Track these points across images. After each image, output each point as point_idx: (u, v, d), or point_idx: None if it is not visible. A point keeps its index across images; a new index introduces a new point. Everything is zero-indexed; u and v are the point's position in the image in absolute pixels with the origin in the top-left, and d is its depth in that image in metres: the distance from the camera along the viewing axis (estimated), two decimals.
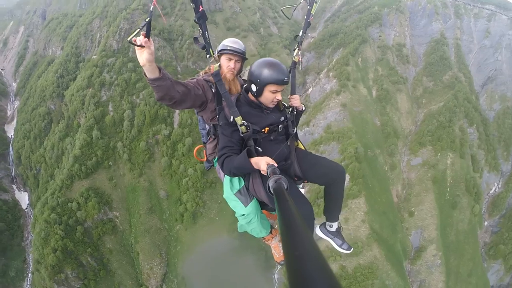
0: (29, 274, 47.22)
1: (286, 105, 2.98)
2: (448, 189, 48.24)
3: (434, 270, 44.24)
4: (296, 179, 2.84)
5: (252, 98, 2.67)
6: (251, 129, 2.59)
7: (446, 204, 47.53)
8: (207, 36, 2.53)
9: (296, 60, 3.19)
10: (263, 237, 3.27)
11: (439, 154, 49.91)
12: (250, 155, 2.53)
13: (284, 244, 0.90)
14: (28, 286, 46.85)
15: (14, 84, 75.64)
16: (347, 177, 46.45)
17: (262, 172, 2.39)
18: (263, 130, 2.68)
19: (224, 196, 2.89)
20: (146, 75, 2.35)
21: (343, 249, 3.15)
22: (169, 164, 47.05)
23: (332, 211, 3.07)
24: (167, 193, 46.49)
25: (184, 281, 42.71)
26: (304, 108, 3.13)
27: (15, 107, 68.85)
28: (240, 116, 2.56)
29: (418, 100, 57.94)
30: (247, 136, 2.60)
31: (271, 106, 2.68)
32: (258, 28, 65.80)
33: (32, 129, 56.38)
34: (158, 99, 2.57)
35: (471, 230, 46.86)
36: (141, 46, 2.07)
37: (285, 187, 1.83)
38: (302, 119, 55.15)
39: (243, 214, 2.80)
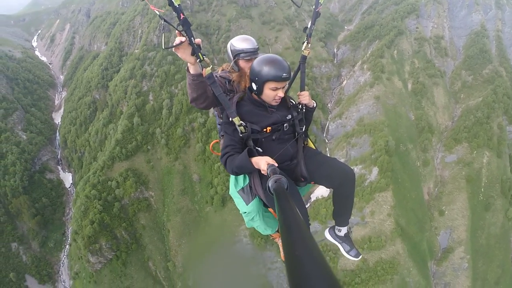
0: (67, 246, 54.95)
1: (294, 102, 3.01)
2: (482, 190, 48.23)
3: (460, 273, 44.39)
4: (302, 180, 2.88)
5: (255, 96, 2.76)
6: (250, 129, 2.69)
7: (479, 205, 47.53)
8: (193, 41, 2.49)
9: (306, 54, 3.18)
10: (271, 235, 3.41)
11: (475, 152, 50.13)
12: (251, 154, 2.61)
13: (284, 244, 0.96)
14: (64, 256, 54.59)
15: (61, 77, 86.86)
16: (375, 169, 49.08)
17: (262, 172, 2.48)
18: (264, 129, 2.75)
19: (229, 192, 3.09)
20: (189, 71, 2.61)
21: (351, 255, 3.15)
22: (203, 150, 52.49)
23: (340, 215, 3.10)
24: (199, 176, 51.94)
25: (209, 261, 47.33)
26: (315, 105, 3.14)
27: (62, 97, 79.15)
28: (238, 117, 2.66)
29: (456, 94, 58.62)
30: (246, 136, 2.70)
31: (274, 103, 2.75)
32: (293, 22, 70.13)
33: (78, 116, 65.25)
34: (193, 98, 2.79)
35: (503, 234, 46.45)
36: (180, 43, 2.37)
37: (285, 187, 1.94)
38: (334, 111, 58.91)
39: (245, 212, 2.95)
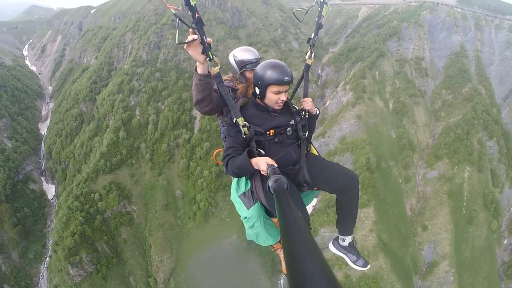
0: (47, 258, 55.80)
1: (297, 108, 3.20)
2: (464, 204, 50.23)
3: (446, 287, 45.67)
4: (305, 185, 2.94)
5: (259, 101, 2.92)
6: (253, 130, 2.80)
7: (462, 219, 49.37)
8: (205, 40, 2.61)
9: (309, 63, 3.42)
10: (272, 246, 3.46)
11: (456, 167, 52.55)
12: (251, 155, 2.73)
13: (284, 244, 0.98)
14: (44, 268, 55.38)
15: (50, 88, 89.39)
16: None
17: (262, 173, 2.57)
18: (267, 132, 2.86)
19: (230, 197, 3.20)
20: (197, 71, 2.76)
21: (358, 265, 3.18)
22: (187, 165, 54.74)
23: (344, 224, 3.14)
24: (183, 192, 53.91)
25: (192, 277, 48.71)
26: (318, 112, 3.30)
27: (49, 108, 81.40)
28: (242, 117, 2.78)
29: (437, 113, 62.00)
30: (249, 138, 2.81)
31: (277, 107, 2.90)
32: (279, 43, 74.12)
33: (64, 128, 67.31)
34: (198, 100, 2.94)
35: (488, 247, 48.21)
36: (192, 40, 2.52)
37: (285, 186, 1.99)
38: (317, 130, 62.07)
39: (246, 217, 3.00)
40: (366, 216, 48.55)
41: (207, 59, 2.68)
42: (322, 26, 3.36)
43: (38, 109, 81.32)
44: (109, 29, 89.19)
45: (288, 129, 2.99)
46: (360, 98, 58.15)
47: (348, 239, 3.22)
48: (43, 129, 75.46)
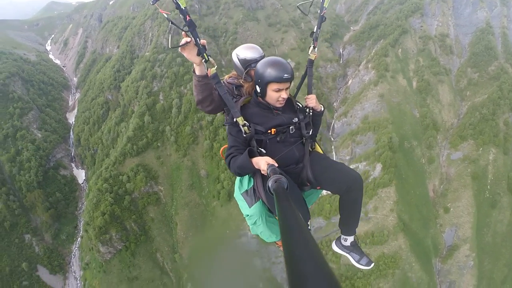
0: (78, 238, 60.39)
1: (301, 105, 3.18)
2: (488, 187, 49.90)
3: (466, 272, 45.77)
4: (308, 184, 3.00)
5: (260, 99, 2.95)
6: (253, 129, 2.86)
7: (485, 203, 49.06)
8: (199, 42, 2.65)
9: (312, 58, 3.34)
10: (276, 242, 3.49)
11: (481, 149, 52.22)
12: (253, 155, 2.78)
13: (284, 244, 0.99)
14: (76, 248, 59.99)
15: (75, 79, 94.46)
16: (379, 166, 51.91)
17: (262, 172, 2.65)
18: (269, 131, 2.90)
19: (234, 195, 3.28)
20: (195, 73, 2.80)
21: (362, 264, 3.23)
22: (211, 146, 57.29)
23: (346, 224, 3.19)
24: (207, 172, 56.65)
25: (216, 253, 51.20)
26: (322, 109, 3.29)
27: (76, 98, 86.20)
28: (241, 117, 2.84)
29: (462, 92, 61.44)
30: (250, 137, 2.88)
31: (278, 105, 2.92)
32: (298, 23, 74.97)
33: (91, 116, 71.51)
34: (199, 101, 3.01)
35: (510, 232, 47.85)
36: (189, 42, 2.55)
37: (285, 186, 2.05)
38: (340, 110, 62.87)
39: (248, 215, 3.08)
40: (387, 196, 49.54)
41: (203, 60, 2.72)
42: (325, 18, 3.33)
43: (65, 100, 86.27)
44: (128, 18, 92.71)
45: (290, 127, 2.99)
46: (383, 76, 58.64)
47: (350, 239, 3.27)
48: (71, 118, 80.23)
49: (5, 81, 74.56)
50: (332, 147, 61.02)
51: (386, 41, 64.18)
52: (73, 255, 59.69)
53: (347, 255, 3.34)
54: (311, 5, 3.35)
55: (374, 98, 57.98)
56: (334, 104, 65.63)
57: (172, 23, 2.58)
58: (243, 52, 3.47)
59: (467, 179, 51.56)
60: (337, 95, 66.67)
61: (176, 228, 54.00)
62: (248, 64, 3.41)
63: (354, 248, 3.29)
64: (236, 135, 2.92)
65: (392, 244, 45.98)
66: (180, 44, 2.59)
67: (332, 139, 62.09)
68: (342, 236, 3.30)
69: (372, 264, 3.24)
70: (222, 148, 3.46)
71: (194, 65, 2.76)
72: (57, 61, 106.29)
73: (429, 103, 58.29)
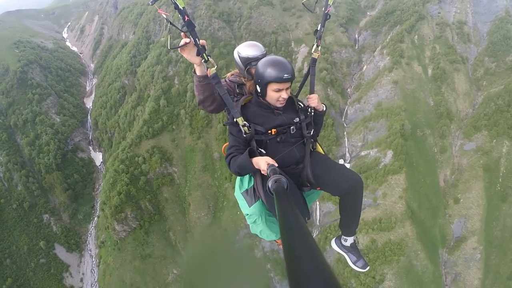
0: (95, 218, 64.71)
1: (303, 105, 3.27)
2: (500, 180, 50.06)
3: (472, 264, 46.46)
4: (308, 185, 3.08)
5: (261, 99, 3.05)
6: (253, 129, 2.96)
7: (496, 196, 49.33)
8: (198, 42, 2.73)
9: (315, 57, 3.43)
10: (276, 241, 3.69)
11: (495, 140, 52.50)
12: (253, 154, 2.87)
13: (284, 244, 1.02)
14: (92, 227, 64.28)
15: (92, 65, 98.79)
16: (390, 152, 53.22)
17: (262, 172, 2.73)
18: (269, 131, 3.00)
19: (234, 194, 3.43)
20: (195, 73, 2.97)
21: (358, 266, 3.38)
22: (224, 129, 59.67)
23: (347, 225, 3.33)
24: (220, 154, 59.46)
25: (226, 233, 54.25)
26: (324, 109, 3.38)
27: (93, 83, 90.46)
28: (241, 117, 2.93)
29: (479, 82, 61.53)
30: (250, 137, 2.97)
31: (279, 105, 3.02)
32: (314, 8, 75.69)
33: (109, 101, 75.42)
34: (201, 100, 3.18)
35: None
36: (187, 43, 2.68)
37: (285, 186, 2.13)
38: (353, 96, 64.23)
39: (248, 214, 3.23)
40: (396, 183, 50.86)
41: (203, 60, 2.80)
42: (330, 16, 3.35)
43: (82, 86, 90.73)
44: (143, 5, 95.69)
45: (291, 127, 3.06)
46: (398, 63, 59.58)
47: (350, 240, 3.38)
48: (88, 103, 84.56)
49: (23, 68, 78.91)
50: (345, 133, 62.51)
51: (402, 27, 64.84)
52: (89, 234, 64.17)
53: (345, 255, 3.48)
54: (316, 1, 3.45)
55: (388, 85, 59.03)
56: (348, 90, 66.93)
57: (170, 23, 2.68)
58: (244, 49, 3.56)
59: (479, 171, 52.14)
60: (351, 81, 67.85)
61: (189, 208, 57.19)
62: (249, 62, 3.49)
63: (353, 249, 3.42)
64: (237, 134, 3.01)
65: (399, 231, 47.18)
66: (180, 45, 2.72)
67: (345, 125, 63.55)
68: (343, 236, 3.43)
69: (368, 267, 3.37)
70: (224, 146, 3.44)
71: (195, 65, 2.92)
72: (74, 48, 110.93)
73: (444, 91, 58.85)
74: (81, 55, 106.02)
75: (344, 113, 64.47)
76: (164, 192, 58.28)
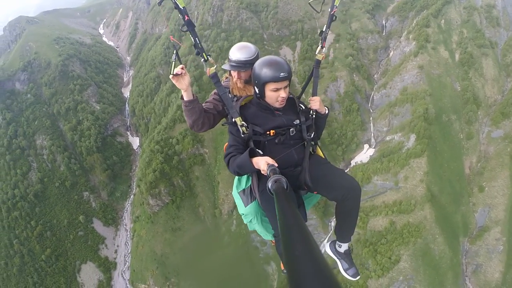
0: (131, 196, 75.29)
1: (304, 107, 3.44)
2: None
3: (494, 256, 48.34)
4: (306, 188, 3.24)
5: (261, 100, 3.25)
6: (251, 130, 3.16)
7: None
8: (198, 42, 3.14)
9: (320, 59, 3.61)
10: (272, 241, 3.94)
11: None
12: (253, 154, 3.04)
13: (283, 244, 1.08)
14: (128, 204, 74.93)
15: (128, 58, 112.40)
16: (413, 136, 57.81)
17: (262, 172, 2.89)
18: (267, 132, 3.19)
19: (232, 192, 3.68)
20: (183, 99, 3.35)
21: (348, 274, 3.52)
22: None
23: (341, 231, 3.47)
24: None
25: None
26: (327, 112, 3.55)
27: (130, 75, 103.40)
28: (239, 117, 3.17)
29: (508, 67, 64.66)
30: (247, 137, 3.18)
31: (278, 105, 3.21)
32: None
33: (145, 89, 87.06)
34: (190, 124, 3.52)
35: None
36: (179, 74, 3.19)
37: (285, 187, 2.25)
38: (379, 81, 70.19)
39: (243, 214, 3.47)
40: (418, 166, 55.12)
41: (202, 60, 3.27)
42: (336, 17, 3.61)
43: (120, 77, 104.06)
44: None
45: (291, 129, 3.26)
46: (423, 47, 64.55)
47: (344, 247, 3.58)
48: (126, 92, 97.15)
49: (64, 62, 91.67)
50: (370, 118, 68.53)
51: (428, 11, 69.22)
52: (125, 210, 74.95)
53: (337, 260, 3.65)
54: (323, 2, 3.69)
55: (413, 70, 64.03)
56: (375, 76, 72.73)
57: (176, 54, 3.19)
58: (234, 53, 3.81)
59: (506, 159, 54.95)
60: (378, 67, 73.47)
61: (217, 187, 66.01)
62: (230, 64, 3.82)
63: (346, 256, 3.60)
64: (237, 134, 3.27)
65: (418, 214, 50.77)
66: (175, 72, 3.24)
67: (371, 110, 69.52)
68: (337, 242, 3.61)
69: (359, 277, 3.55)
70: (226, 145, 3.58)
71: (182, 91, 3.35)
72: (111, 43, 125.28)
73: (472, 76, 62.58)
74: (117, 49, 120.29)
75: (370, 99, 70.42)
76: (195, 171, 67.76)
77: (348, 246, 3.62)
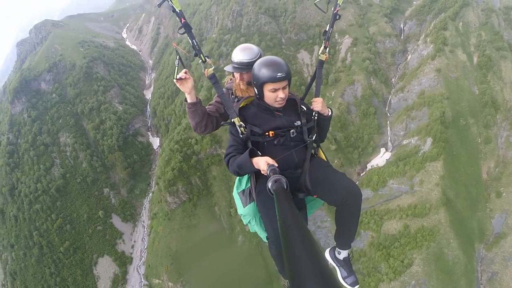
0: (150, 194, 79.49)
1: (305, 108, 3.46)
2: None
3: (510, 264, 48.08)
4: (305, 191, 3.23)
5: (261, 100, 3.30)
6: (249, 130, 3.22)
7: None
8: (195, 43, 3.20)
9: (323, 59, 3.65)
10: None
11: None
12: (254, 154, 3.08)
13: (283, 244, 1.10)
14: (147, 202, 79.00)
15: (150, 61, 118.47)
16: (429, 140, 58.55)
17: (262, 172, 2.92)
18: (266, 133, 3.23)
19: (233, 193, 3.75)
20: (187, 101, 3.50)
21: (347, 283, 3.53)
22: None
23: (341, 238, 3.47)
24: None
25: None
26: (330, 114, 3.57)
27: (152, 77, 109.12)
28: (238, 118, 3.25)
29: None
30: (245, 138, 3.24)
31: (277, 106, 3.25)
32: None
33: (166, 92, 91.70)
34: (194, 126, 3.71)
35: None
36: (184, 78, 3.32)
37: (285, 187, 2.29)
38: (397, 85, 71.78)
39: (242, 214, 3.54)
40: (434, 170, 55.82)
41: (200, 61, 3.38)
42: (340, 16, 3.65)
43: (142, 79, 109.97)
44: (196, 5, 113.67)
45: (291, 131, 3.28)
46: (441, 50, 65.74)
47: (344, 254, 3.60)
48: (148, 94, 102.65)
49: (89, 64, 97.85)
50: (388, 122, 69.94)
51: (446, 14, 70.41)
52: (144, 207, 79.13)
53: (336, 267, 3.67)
54: (329, 2, 3.76)
55: (431, 73, 65.26)
56: (392, 79, 74.25)
57: (179, 59, 3.29)
58: (237, 55, 3.98)
59: None
60: (396, 71, 75.02)
61: (233, 186, 69.37)
62: (233, 65, 4.00)
63: (345, 264, 3.61)
64: (236, 134, 3.32)
65: (433, 217, 51.17)
66: (178, 77, 3.38)
67: (388, 114, 70.91)
68: (337, 248, 3.62)
69: (357, 286, 3.53)
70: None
71: (185, 94, 3.48)
72: (133, 47, 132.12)
73: (490, 79, 63.28)
74: (140, 53, 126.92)
75: (388, 103, 71.93)
76: (212, 170, 71.08)
77: (348, 253, 3.62)
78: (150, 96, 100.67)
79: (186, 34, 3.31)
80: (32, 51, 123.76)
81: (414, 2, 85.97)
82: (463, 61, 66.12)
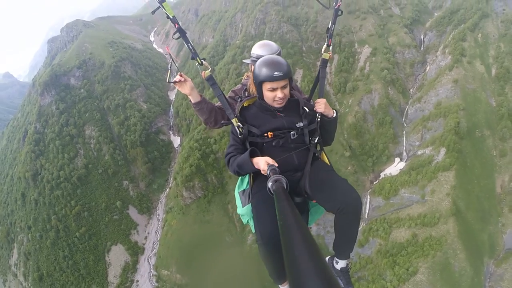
0: (167, 189, 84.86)
1: (308, 110, 3.42)
2: None
3: None
4: (305, 195, 3.25)
5: (262, 100, 3.36)
6: (246, 130, 3.30)
7: None
8: (191, 47, 3.35)
9: (326, 58, 3.63)
10: None
11: None
12: (254, 154, 3.12)
13: (284, 244, 1.12)
14: (164, 196, 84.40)
15: (176, 65, 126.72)
16: (443, 150, 59.94)
17: (262, 172, 2.95)
18: (265, 134, 3.27)
19: (234, 192, 3.76)
20: (191, 101, 3.68)
21: None
22: None
23: (339, 247, 3.41)
24: None
25: None
26: (334, 115, 3.50)
27: None
28: (236, 118, 3.34)
29: None
30: (243, 138, 3.33)
31: (276, 105, 3.27)
32: (378, 10, 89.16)
33: None
34: (204, 122, 3.89)
35: None
36: (180, 81, 3.50)
37: (285, 186, 2.33)
38: (414, 96, 74.64)
39: (241, 214, 3.56)
40: (445, 180, 56.99)
41: (197, 64, 3.53)
42: (342, 12, 3.63)
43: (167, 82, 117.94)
44: (221, 12, 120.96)
45: (292, 132, 3.28)
46: (458, 61, 67.81)
47: (342, 264, 3.51)
48: (172, 95, 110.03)
49: (117, 63, 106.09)
50: (404, 132, 72.06)
51: (465, 25, 72.48)
52: (160, 201, 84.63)
53: None
54: None
55: (448, 84, 67.29)
56: (411, 90, 76.75)
57: (172, 60, 3.59)
58: (256, 49, 4.23)
59: None
60: (415, 82, 77.47)
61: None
62: (254, 59, 4.17)
63: (343, 274, 3.52)
64: (236, 134, 3.40)
65: (441, 227, 51.65)
66: (174, 80, 3.55)
67: (405, 124, 73.14)
68: (335, 258, 3.56)
69: None
70: None
71: (188, 95, 3.68)
72: (160, 50, 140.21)
73: (508, 92, 64.76)
74: (166, 56, 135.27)
75: (405, 113, 74.38)
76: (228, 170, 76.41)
77: (346, 264, 3.53)
78: (174, 97, 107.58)
79: (188, 36, 3.61)
80: (62, 48, 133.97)
81: (435, 13, 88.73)
82: (481, 73, 67.71)
